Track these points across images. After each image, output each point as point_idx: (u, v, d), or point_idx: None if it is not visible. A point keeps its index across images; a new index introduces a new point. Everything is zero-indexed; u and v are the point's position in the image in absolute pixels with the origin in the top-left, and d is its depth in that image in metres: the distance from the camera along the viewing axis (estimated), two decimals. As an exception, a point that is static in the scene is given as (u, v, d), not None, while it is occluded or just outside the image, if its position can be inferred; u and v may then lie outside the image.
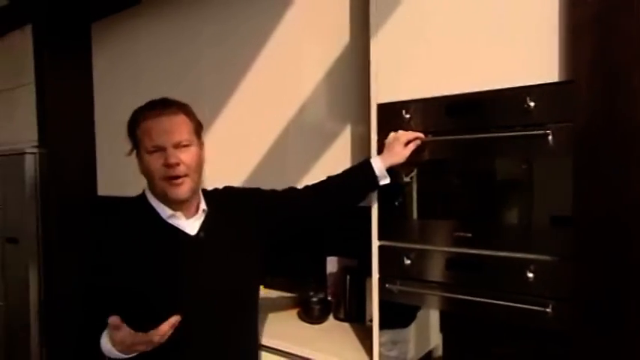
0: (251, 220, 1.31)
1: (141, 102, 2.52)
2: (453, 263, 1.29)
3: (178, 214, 1.18)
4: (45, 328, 2.70)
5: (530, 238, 1.16)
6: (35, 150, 2.71)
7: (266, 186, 1.97)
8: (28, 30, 2.81)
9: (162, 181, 1.13)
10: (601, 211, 1.02)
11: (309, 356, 1.57)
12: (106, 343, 1.06)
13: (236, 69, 2.08)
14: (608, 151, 1.00)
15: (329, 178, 1.44)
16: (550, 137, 1.11)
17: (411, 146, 1.31)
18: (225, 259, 1.21)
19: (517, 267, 1.17)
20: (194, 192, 1.19)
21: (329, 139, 1.81)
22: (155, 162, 1.12)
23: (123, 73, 2.66)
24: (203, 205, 1.23)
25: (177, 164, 1.12)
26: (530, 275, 1.15)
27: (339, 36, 1.75)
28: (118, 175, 2.75)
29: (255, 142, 2.03)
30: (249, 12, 2.02)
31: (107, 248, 1.12)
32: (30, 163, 2.69)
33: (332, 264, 2.10)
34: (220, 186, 1.44)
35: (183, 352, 1.11)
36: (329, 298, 2.02)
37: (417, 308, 1.36)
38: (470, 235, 1.25)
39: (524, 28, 1.16)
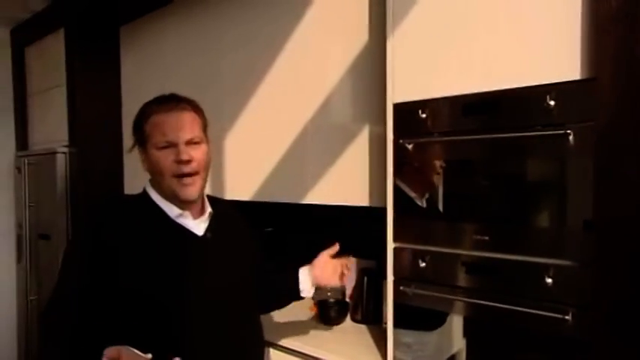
0: (250, 239, 1.34)
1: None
2: (469, 267, 1.25)
3: (186, 213, 1.15)
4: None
5: (549, 243, 1.12)
6: (66, 149, 2.80)
7: (285, 186, 1.99)
8: (60, 34, 2.92)
9: (173, 179, 1.10)
10: (623, 215, 0.97)
11: (323, 357, 1.56)
12: None
13: (257, 70, 2.09)
14: (631, 151, 0.95)
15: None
16: (571, 137, 1.07)
17: (344, 279, 1.39)
18: (230, 261, 1.20)
19: (535, 272, 1.13)
20: (202, 191, 1.18)
21: (347, 139, 1.80)
22: (165, 158, 1.09)
23: (149, 75, 2.73)
24: (209, 208, 1.21)
25: (190, 161, 1.09)
26: (549, 280, 1.10)
27: (358, 36, 1.74)
28: (143, 174, 2.81)
29: (274, 142, 2.04)
30: (270, 13, 2.04)
31: (112, 249, 1.04)
32: (61, 163, 2.79)
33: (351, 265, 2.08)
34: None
35: (194, 348, 1.08)
36: (347, 300, 2.00)
37: (439, 312, 1.33)
38: (487, 238, 1.22)
39: (545, 25, 1.12)
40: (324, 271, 1.37)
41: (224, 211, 1.27)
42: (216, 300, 1.13)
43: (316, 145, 1.90)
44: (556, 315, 1.08)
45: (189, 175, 1.10)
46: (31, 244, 3.06)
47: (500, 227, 1.20)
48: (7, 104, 3.40)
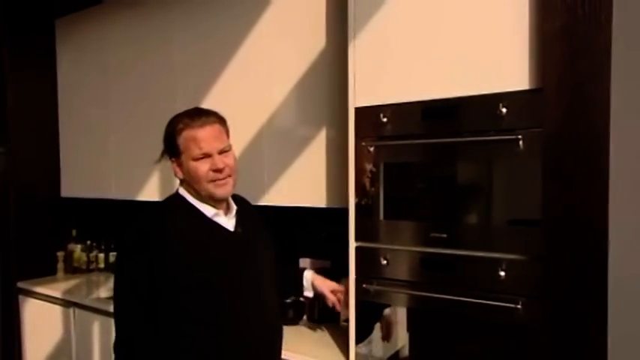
0: (266, 231, 1.45)
1: (109, 102, 2.46)
2: (428, 263, 1.33)
3: (220, 212, 1.28)
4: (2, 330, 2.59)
5: (501, 239, 1.22)
6: (-6, 149, 2.58)
7: (243, 189, 1.97)
8: (-14, 24, 2.68)
9: (209, 184, 1.23)
10: (567, 213, 1.08)
11: (287, 357, 1.57)
12: None
13: (210, 70, 2.06)
14: (575, 155, 1.06)
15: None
16: (520, 142, 1.17)
17: (336, 300, 1.52)
18: (258, 251, 1.35)
19: (490, 266, 1.22)
20: (233, 190, 1.32)
21: (304, 141, 1.82)
22: (202, 167, 1.22)
23: (89, 72, 2.58)
24: (234, 205, 1.33)
25: (224, 168, 1.23)
26: (502, 274, 1.20)
27: (315, 40, 1.77)
28: (83, 176, 2.66)
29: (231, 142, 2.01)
30: (225, 13, 2.02)
31: (168, 249, 1.18)
32: (-10, 164, 2.57)
33: (305, 265, 2.11)
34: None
35: (242, 325, 1.24)
36: (302, 300, 2.02)
37: (385, 306, 1.40)
38: (445, 235, 1.30)
39: (497, 38, 1.22)
40: (325, 282, 1.55)
41: (243, 207, 1.40)
42: (254, 285, 1.29)
43: (272, 148, 1.91)
44: (508, 304, 1.18)
45: (224, 178, 1.24)
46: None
47: (457, 225, 1.29)
48: None
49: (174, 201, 1.30)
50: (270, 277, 1.37)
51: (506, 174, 1.22)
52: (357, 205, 1.45)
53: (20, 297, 2.57)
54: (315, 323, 1.91)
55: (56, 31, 2.72)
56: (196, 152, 1.21)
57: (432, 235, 1.32)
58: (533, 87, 1.16)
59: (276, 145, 1.90)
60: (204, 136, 1.22)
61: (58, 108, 2.75)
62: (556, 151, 1.09)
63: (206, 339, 1.20)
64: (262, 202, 1.93)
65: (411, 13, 1.36)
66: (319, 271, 1.97)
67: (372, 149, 1.42)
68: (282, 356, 1.56)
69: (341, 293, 1.54)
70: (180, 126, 1.24)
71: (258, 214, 1.48)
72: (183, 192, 1.29)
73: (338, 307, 1.55)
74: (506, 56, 1.21)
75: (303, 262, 2.11)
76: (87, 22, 2.57)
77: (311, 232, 2.16)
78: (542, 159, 1.13)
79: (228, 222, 1.30)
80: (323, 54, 1.76)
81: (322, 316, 1.91)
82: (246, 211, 1.40)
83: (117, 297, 1.23)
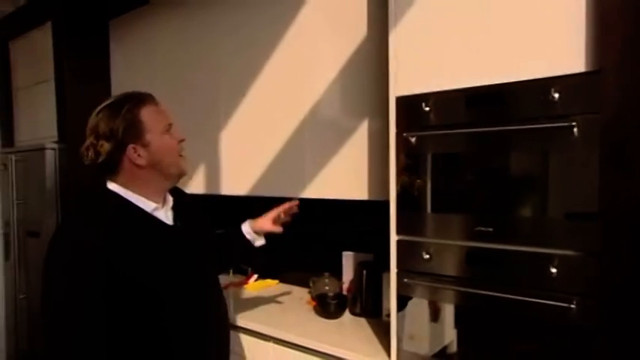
0: (203, 217, 1.43)
1: (158, 97, 2.55)
2: (473, 258, 1.27)
3: (159, 206, 1.22)
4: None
5: (553, 233, 1.13)
6: (55, 146, 2.75)
7: (282, 181, 1.99)
8: (47, 27, 2.85)
9: (180, 158, 1.22)
10: (628, 206, 0.99)
11: (327, 351, 1.57)
12: None
13: (253, 64, 2.07)
14: (636, 142, 0.97)
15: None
16: (575, 129, 1.08)
17: (278, 224, 1.57)
18: (197, 244, 1.32)
19: (540, 262, 1.14)
20: None
21: (346, 133, 1.80)
22: (172, 140, 1.20)
23: (139, 70, 2.68)
24: (170, 198, 1.28)
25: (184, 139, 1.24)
26: (554, 270, 1.12)
27: (356, 30, 1.74)
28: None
29: (271, 136, 2.03)
30: (267, 6, 2.02)
31: (106, 253, 1.08)
32: (50, 159, 2.74)
33: (348, 259, 2.09)
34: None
35: (184, 323, 1.21)
36: (345, 293, 2.01)
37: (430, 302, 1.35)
38: (491, 229, 1.23)
39: (549, 17, 1.14)
40: (264, 218, 1.56)
41: (180, 198, 1.34)
42: (197, 279, 1.26)
43: (314, 139, 1.90)
44: (561, 304, 1.10)
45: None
46: (19, 241, 2.99)
47: (505, 219, 1.21)
48: (-9, 99, 3.32)
49: (105, 200, 1.18)
50: (212, 268, 1.36)
51: (559, 164, 1.13)
52: (398, 198, 1.41)
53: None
54: (357, 317, 1.89)
55: (110, 32, 2.84)
56: (164, 123, 1.19)
57: (478, 228, 1.25)
58: (589, 69, 1.06)
59: (318, 137, 1.88)
60: (162, 108, 1.22)
61: (111, 105, 2.88)
62: (615, 138, 1.00)
63: (154, 340, 1.14)
64: (303, 195, 1.93)
65: (454, -4, 1.30)
66: (363, 264, 1.96)
67: (413, 140, 1.37)
68: (324, 350, 1.57)
69: (278, 213, 1.55)
70: (138, 105, 1.17)
71: (196, 203, 1.45)
72: (115, 187, 1.18)
73: (279, 224, 1.56)
74: (559, 36, 1.12)
75: (346, 255, 2.10)
76: (136, 23, 2.67)
77: (354, 225, 2.13)
78: (600, 147, 1.04)
79: (167, 216, 1.24)
80: (364, 42, 1.72)
81: (364, 310, 1.88)
82: (184, 202, 1.34)
83: (62, 317, 1.07)
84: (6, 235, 3.16)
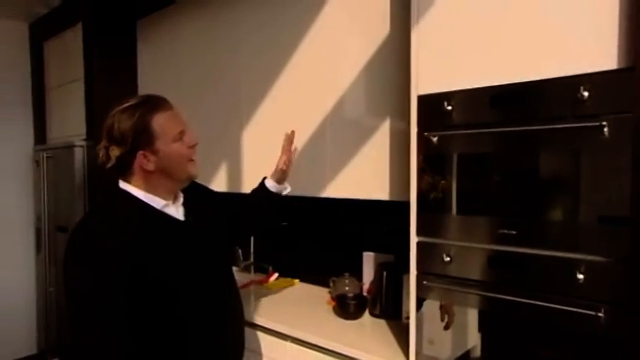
0: (214, 207, 1.47)
1: (182, 96, 2.58)
2: (495, 261, 1.23)
3: (169, 203, 1.26)
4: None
5: (581, 237, 1.09)
6: (83, 143, 2.82)
7: (303, 180, 1.98)
8: (78, 28, 2.93)
9: (189, 163, 1.26)
10: (662, 210, 0.94)
11: (344, 352, 1.56)
12: None
13: (275, 63, 2.08)
14: (672, 143, 0.92)
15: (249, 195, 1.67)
16: (605, 129, 1.04)
17: (288, 155, 1.60)
18: (209, 237, 1.36)
19: (566, 267, 1.10)
20: None
21: (367, 133, 1.78)
22: (182, 147, 1.23)
23: (164, 69, 2.73)
24: (181, 194, 1.31)
25: (197, 143, 1.27)
26: (581, 276, 1.08)
27: (378, 28, 1.72)
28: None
29: (294, 134, 2.02)
30: (290, 5, 2.02)
31: (123, 251, 1.12)
32: (79, 156, 2.81)
33: (368, 259, 2.07)
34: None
35: (198, 316, 1.25)
36: (365, 294, 1.99)
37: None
38: (514, 232, 1.19)
39: (578, 12, 1.09)
40: (277, 164, 1.61)
41: (193, 193, 1.37)
42: (210, 272, 1.31)
43: (335, 138, 1.89)
44: (588, 312, 1.06)
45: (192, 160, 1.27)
46: (49, 236, 3.09)
47: (529, 221, 1.17)
48: (25, 98, 3.44)
49: (117, 198, 1.23)
50: (225, 261, 1.42)
51: (587, 165, 1.08)
52: (419, 199, 1.38)
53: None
54: (376, 318, 1.86)
55: (137, 30, 2.90)
56: (175, 130, 1.21)
57: (500, 231, 1.21)
58: (622, 66, 1.01)
59: (339, 136, 1.87)
60: (176, 113, 1.23)
61: (138, 104, 2.94)
62: (649, 138, 0.95)
63: (170, 334, 1.18)
64: (324, 194, 1.92)
65: (478, -9, 1.26)
66: (383, 265, 1.94)
67: (435, 139, 1.34)
68: (341, 351, 1.56)
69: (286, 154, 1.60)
70: (148, 113, 1.18)
71: (210, 196, 1.51)
72: (127, 187, 1.22)
73: (287, 162, 1.59)
74: (588, 32, 1.07)
75: (367, 256, 2.08)
76: (163, 23, 2.71)
77: (376, 225, 2.11)
78: (632, 148, 0.99)
79: (178, 211, 1.27)
80: (387, 41, 1.70)
81: (384, 311, 1.86)
82: (196, 197, 1.37)
83: (87, 310, 1.11)
84: (37, 230, 3.27)
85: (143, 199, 1.22)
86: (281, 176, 1.59)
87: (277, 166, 1.60)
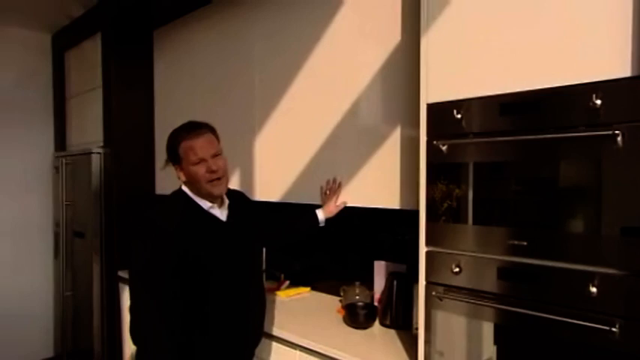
0: (255, 215, 1.74)
1: (197, 103, 2.61)
2: (505, 273, 1.20)
3: (214, 205, 1.55)
4: (106, 314, 2.88)
5: (594, 250, 1.06)
6: (100, 150, 2.88)
7: (315, 188, 1.98)
8: (97, 38, 3.00)
9: (207, 184, 1.48)
10: (679, 222, 0.91)
11: (352, 362, 1.54)
12: None
13: (288, 72, 2.09)
14: (688, 153, 0.89)
15: (289, 218, 1.95)
16: (619, 138, 1.01)
17: (340, 205, 1.89)
18: (245, 237, 1.61)
19: (578, 280, 1.07)
20: (227, 187, 1.57)
21: (378, 141, 1.77)
22: (200, 170, 1.47)
23: (180, 78, 2.77)
24: (226, 200, 1.60)
25: (217, 169, 1.49)
26: (594, 290, 1.04)
27: (389, 36, 1.71)
28: (173, 175, 2.85)
29: (304, 144, 2.03)
30: (301, 15, 2.03)
31: (174, 236, 1.41)
32: (96, 163, 2.87)
33: (379, 268, 2.05)
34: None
35: (232, 303, 1.52)
36: (375, 304, 1.97)
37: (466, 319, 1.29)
38: (525, 243, 1.16)
39: (591, 19, 1.07)
40: (328, 206, 1.90)
41: (238, 201, 1.67)
42: (243, 266, 1.57)
43: (347, 147, 1.88)
44: (601, 326, 1.02)
45: (218, 178, 1.50)
46: (66, 241, 3.15)
47: (540, 232, 1.14)
48: (47, 106, 3.53)
49: (179, 196, 1.54)
50: (256, 261, 1.68)
51: (599, 174, 1.05)
52: (428, 208, 1.36)
53: (120, 285, 2.82)
54: (387, 328, 1.84)
55: (154, 40, 2.95)
56: (194, 158, 1.46)
57: (510, 242, 1.19)
58: (635, 74, 0.99)
59: (350, 144, 1.86)
60: (199, 144, 1.47)
61: (154, 111, 2.99)
62: (664, 148, 0.92)
63: (200, 312, 1.44)
64: (334, 202, 1.91)
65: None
66: (394, 275, 1.91)
67: (444, 148, 1.32)
68: (350, 360, 1.55)
69: (331, 199, 1.88)
70: (179, 138, 1.49)
71: (255, 207, 1.80)
72: (185, 189, 1.55)
73: (330, 195, 1.89)
74: (601, 39, 1.04)
75: (378, 264, 2.06)
76: (178, 33, 2.76)
77: (388, 234, 2.09)
78: (646, 158, 0.96)
79: (222, 213, 1.55)
80: (398, 49, 1.69)
81: (394, 321, 1.83)
82: (240, 204, 1.66)
83: (142, 281, 1.42)
84: (56, 235, 3.34)
85: (195, 199, 1.52)
86: (328, 214, 1.89)
87: (330, 206, 1.88)
